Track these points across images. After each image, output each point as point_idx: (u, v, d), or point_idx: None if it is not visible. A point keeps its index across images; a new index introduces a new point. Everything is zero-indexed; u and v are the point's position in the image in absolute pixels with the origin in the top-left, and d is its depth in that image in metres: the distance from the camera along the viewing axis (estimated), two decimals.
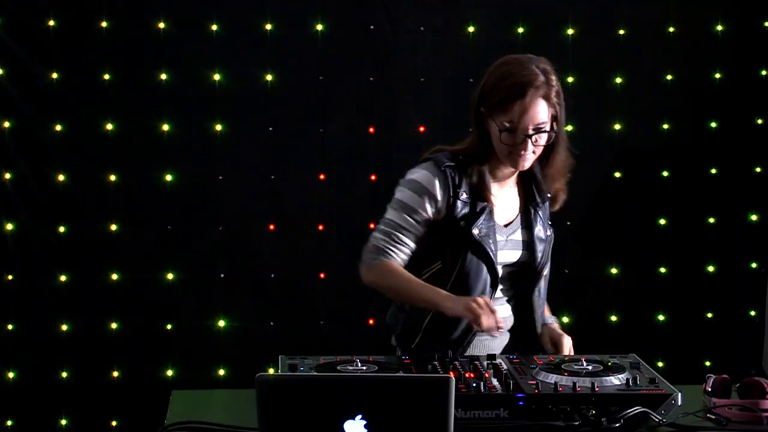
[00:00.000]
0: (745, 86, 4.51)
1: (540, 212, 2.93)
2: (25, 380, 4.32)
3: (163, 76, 4.28)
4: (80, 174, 4.31)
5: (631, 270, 4.56)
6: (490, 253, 2.82)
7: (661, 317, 4.55)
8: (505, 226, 2.89)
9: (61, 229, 4.30)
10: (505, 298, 2.92)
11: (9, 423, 4.32)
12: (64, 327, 4.31)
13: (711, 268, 4.57)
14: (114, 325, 4.34)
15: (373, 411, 1.93)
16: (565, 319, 4.51)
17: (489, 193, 2.84)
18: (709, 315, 4.59)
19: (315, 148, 4.40)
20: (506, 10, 4.41)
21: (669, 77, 4.48)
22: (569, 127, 4.41)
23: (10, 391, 4.30)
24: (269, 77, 4.33)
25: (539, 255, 2.91)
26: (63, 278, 4.31)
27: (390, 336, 2.96)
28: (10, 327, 4.30)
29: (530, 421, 2.34)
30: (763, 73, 4.52)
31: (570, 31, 4.43)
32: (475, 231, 2.81)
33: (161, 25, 4.26)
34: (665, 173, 4.52)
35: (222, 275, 4.38)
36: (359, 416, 1.93)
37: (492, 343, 2.87)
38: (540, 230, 2.92)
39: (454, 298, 2.73)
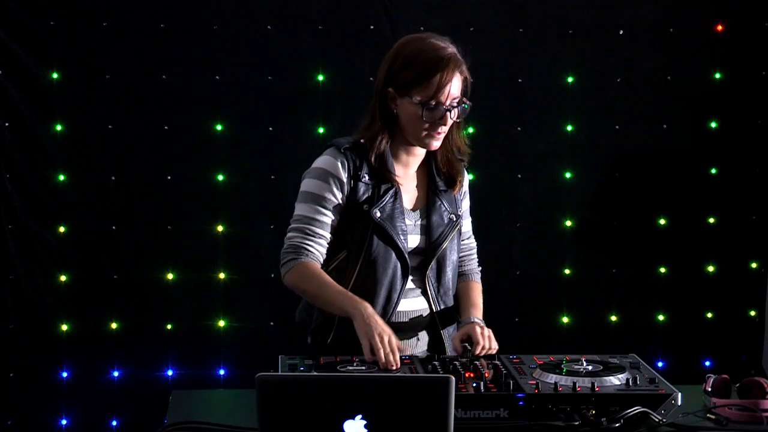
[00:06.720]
0: (745, 86, 4.51)
1: (443, 197, 2.86)
2: (25, 380, 4.31)
3: (164, 76, 4.27)
4: (80, 174, 4.30)
5: (631, 270, 4.56)
6: (394, 236, 2.75)
7: (661, 317, 4.55)
8: (414, 210, 2.84)
9: (61, 229, 4.29)
10: (419, 290, 2.85)
11: (9, 423, 4.32)
12: (64, 327, 4.31)
13: (711, 268, 4.57)
14: (114, 325, 4.34)
15: (373, 411, 1.93)
16: (565, 319, 4.52)
17: (392, 174, 2.78)
18: (709, 315, 4.59)
19: (315, 148, 4.37)
20: (506, 10, 4.40)
21: (669, 77, 4.48)
22: (569, 128, 4.47)
23: (10, 391, 4.30)
24: (269, 77, 4.33)
25: (434, 238, 2.82)
26: (63, 278, 4.31)
27: (305, 334, 2.88)
28: (10, 327, 4.29)
29: (530, 421, 2.34)
30: (764, 73, 4.52)
31: (570, 31, 4.43)
32: (377, 213, 2.75)
33: (162, 25, 4.25)
34: (665, 173, 4.52)
35: (222, 275, 4.38)
36: (359, 416, 1.93)
37: (410, 341, 2.83)
38: (441, 215, 2.84)
39: (364, 318, 2.62)
